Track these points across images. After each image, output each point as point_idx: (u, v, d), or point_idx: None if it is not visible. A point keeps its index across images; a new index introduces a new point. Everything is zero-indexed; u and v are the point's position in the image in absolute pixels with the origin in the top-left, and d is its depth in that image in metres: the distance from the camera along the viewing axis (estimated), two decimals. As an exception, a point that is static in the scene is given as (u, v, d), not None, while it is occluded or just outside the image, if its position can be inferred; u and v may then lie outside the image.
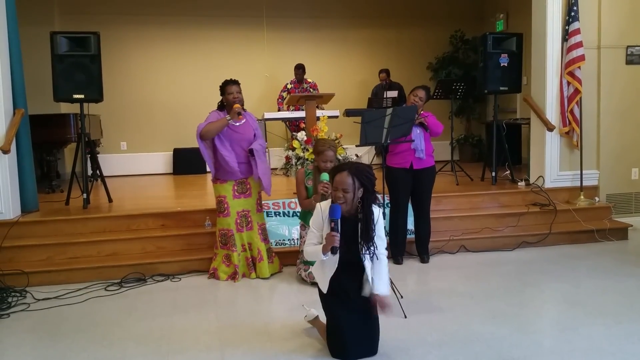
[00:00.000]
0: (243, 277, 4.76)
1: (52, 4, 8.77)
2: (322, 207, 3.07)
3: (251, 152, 4.68)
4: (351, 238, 3.06)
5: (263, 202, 5.22)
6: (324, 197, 4.24)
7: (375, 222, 3.10)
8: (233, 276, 4.75)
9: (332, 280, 3.11)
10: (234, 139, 4.66)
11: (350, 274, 3.12)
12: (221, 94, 4.73)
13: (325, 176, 4.26)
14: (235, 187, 4.74)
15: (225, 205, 4.73)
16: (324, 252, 2.98)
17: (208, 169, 9.09)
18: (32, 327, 3.84)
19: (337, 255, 3.02)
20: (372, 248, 3.07)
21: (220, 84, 4.74)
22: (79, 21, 8.55)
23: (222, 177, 4.72)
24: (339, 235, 2.92)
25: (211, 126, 4.56)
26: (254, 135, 4.79)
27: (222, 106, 4.74)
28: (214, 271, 4.80)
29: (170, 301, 4.28)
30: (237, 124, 4.67)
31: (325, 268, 3.10)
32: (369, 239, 3.06)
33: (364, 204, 3.04)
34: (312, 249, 3.09)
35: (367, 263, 3.10)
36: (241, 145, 4.69)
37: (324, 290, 3.13)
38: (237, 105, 4.56)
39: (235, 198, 4.75)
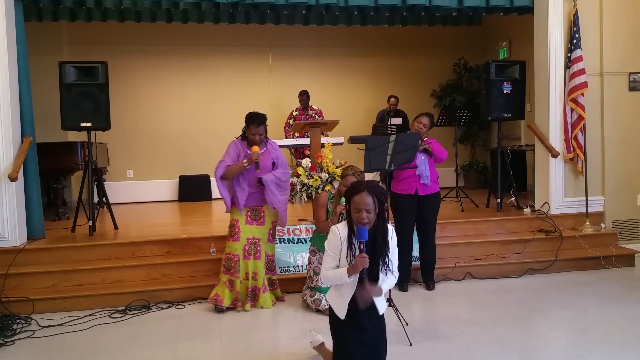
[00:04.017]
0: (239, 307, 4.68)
1: (61, 34, 8.93)
2: (340, 229, 3.01)
3: (260, 181, 4.65)
4: (369, 255, 2.98)
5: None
6: (342, 218, 4.27)
7: (390, 237, 3.10)
8: (235, 303, 4.65)
9: (349, 304, 3.06)
10: (250, 169, 4.64)
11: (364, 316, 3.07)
12: (245, 124, 4.71)
13: None
14: (249, 213, 4.73)
15: (237, 230, 4.69)
16: (351, 273, 2.92)
17: (214, 197, 9.22)
18: (36, 354, 3.83)
19: (357, 276, 2.99)
20: (388, 261, 3.06)
21: (246, 116, 4.70)
22: (87, 51, 8.69)
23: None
24: (368, 257, 2.88)
25: (230, 170, 4.58)
26: (273, 164, 4.76)
27: (245, 135, 4.74)
28: (216, 297, 4.65)
29: (174, 329, 4.26)
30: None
31: (343, 292, 3.06)
32: (385, 251, 3.04)
33: (379, 218, 3.01)
34: (333, 273, 2.99)
35: (382, 277, 3.09)
36: (256, 175, 4.67)
37: (342, 317, 3.08)
38: (255, 150, 4.56)
39: (247, 224, 4.72)
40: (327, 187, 5.38)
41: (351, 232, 2.97)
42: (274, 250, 4.97)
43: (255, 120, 4.66)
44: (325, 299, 4.44)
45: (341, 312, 3.04)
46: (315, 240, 4.68)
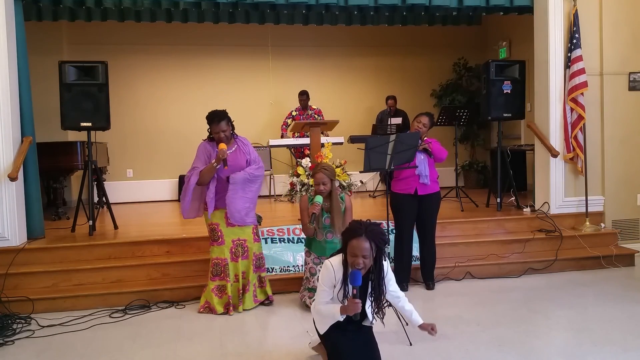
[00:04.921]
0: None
1: (61, 34, 8.93)
2: (335, 268, 2.99)
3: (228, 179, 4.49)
4: (361, 292, 2.99)
5: (268, 228, 5.19)
6: (314, 217, 4.29)
7: (385, 277, 3.09)
8: (227, 307, 4.56)
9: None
10: (221, 170, 4.48)
11: (346, 320, 3.10)
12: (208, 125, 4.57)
13: (318, 198, 4.30)
14: (227, 215, 4.57)
15: (219, 233, 4.57)
16: (343, 313, 2.94)
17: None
18: (36, 354, 3.83)
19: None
20: (381, 304, 3.06)
21: (206, 117, 4.56)
22: (87, 51, 8.68)
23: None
24: (360, 302, 2.89)
25: (202, 174, 4.44)
26: (247, 161, 4.61)
27: (211, 136, 4.58)
28: (207, 305, 4.60)
29: (174, 328, 4.26)
30: (228, 151, 4.48)
31: (328, 318, 3.08)
32: (379, 295, 3.05)
33: (376, 262, 2.99)
34: (327, 310, 3.01)
35: (369, 310, 3.10)
36: (225, 175, 4.52)
37: (321, 332, 3.11)
38: (222, 147, 4.39)
39: (228, 226, 4.57)
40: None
41: (346, 273, 2.95)
42: (261, 249, 4.83)
43: (214, 119, 4.49)
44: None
45: (321, 329, 3.07)
46: (306, 243, 4.70)
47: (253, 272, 4.70)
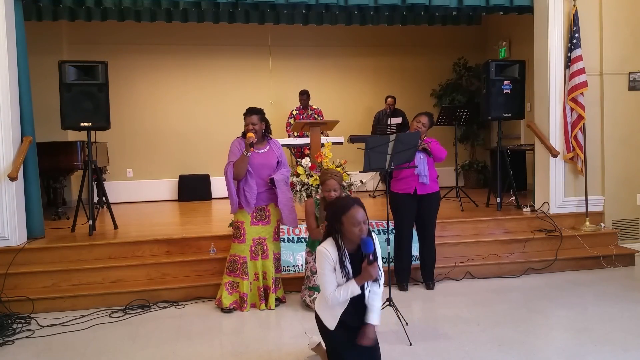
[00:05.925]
0: (252, 308, 4.68)
1: (60, 34, 8.93)
2: (330, 251, 3.01)
3: (272, 181, 4.64)
4: (358, 270, 3.04)
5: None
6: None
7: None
8: (236, 304, 4.65)
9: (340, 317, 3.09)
10: (254, 165, 4.60)
11: (355, 308, 3.10)
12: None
13: None
14: (255, 214, 4.66)
15: (242, 232, 4.65)
16: (360, 283, 2.98)
17: (214, 196, 9.23)
18: (36, 354, 3.83)
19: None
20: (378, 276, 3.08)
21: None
22: (87, 50, 8.69)
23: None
24: (377, 265, 2.97)
25: (237, 167, 4.54)
26: (278, 162, 4.75)
27: (245, 134, 4.71)
28: (219, 297, 4.70)
29: (174, 328, 4.26)
30: (261, 151, 4.67)
31: (335, 306, 3.08)
32: (376, 256, 3.07)
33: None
34: (344, 292, 3.00)
35: (367, 292, 3.10)
36: (261, 173, 4.65)
37: (332, 328, 3.10)
38: (249, 135, 4.52)
39: (253, 225, 4.66)
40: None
41: (340, 251, 3.02)
42: (279, 249, 4.91)
43: (247, 111, 4.68)
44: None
45: (331, 325, 3.07)
46: (310, 244, 4.70)
47: (275, 271, 4.77)
